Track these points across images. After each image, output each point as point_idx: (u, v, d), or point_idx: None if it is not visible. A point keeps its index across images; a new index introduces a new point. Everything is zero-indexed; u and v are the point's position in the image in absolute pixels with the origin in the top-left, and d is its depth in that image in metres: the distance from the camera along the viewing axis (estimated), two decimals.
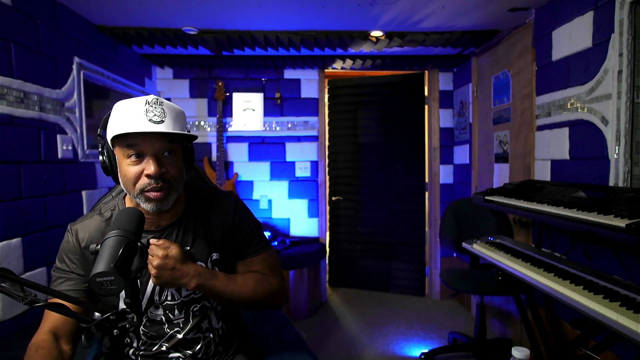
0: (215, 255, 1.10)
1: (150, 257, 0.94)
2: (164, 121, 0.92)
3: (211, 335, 1.11)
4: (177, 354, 1.08)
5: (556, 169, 2.02)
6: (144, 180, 0.94)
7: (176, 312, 1.06)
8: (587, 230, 1.26)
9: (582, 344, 1.50)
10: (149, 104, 0.92)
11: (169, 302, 1.06)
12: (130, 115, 0.92)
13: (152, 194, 0.95)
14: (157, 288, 1.05)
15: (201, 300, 1.08)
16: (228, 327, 1.17)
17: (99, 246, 0.77)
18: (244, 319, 1.31)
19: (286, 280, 2.95)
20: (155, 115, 0.92)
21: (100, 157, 1.00)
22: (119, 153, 0.96)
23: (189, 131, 1.03)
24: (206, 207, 1.13)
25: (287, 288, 1.22)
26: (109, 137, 0.96)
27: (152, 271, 0.95)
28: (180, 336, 1.07)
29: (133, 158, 0.94)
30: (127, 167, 0.95)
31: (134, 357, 1.09)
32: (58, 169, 1.97)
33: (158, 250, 0.95)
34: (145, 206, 0.97)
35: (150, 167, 0.93)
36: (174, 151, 0.97)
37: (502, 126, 2.67)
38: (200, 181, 1.39)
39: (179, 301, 1.06)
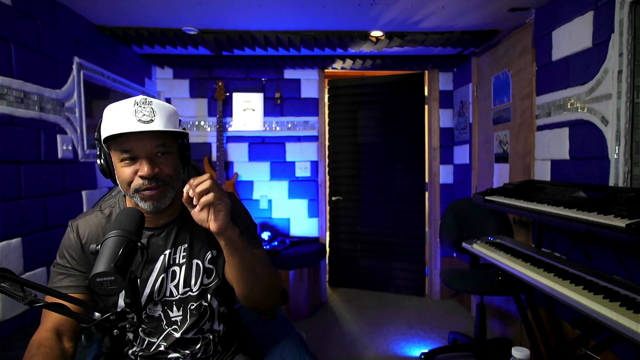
0: (211, 254, 1.10)
1: (206, 196, 0.87)
2: (153, 120, 0.92)
3: (211, 336, 1.11)
4: (176, 354, 1.08)
5: (556, 169, 2.02)
6: (138, 181, 0.95)
7: (174, 309, 1.07)
8: (587, 230, 1.27)
9: (582, 344, 1.50)
10: (137, 105, 0.92)
11: (167, 299, 1.06)
12: (120, 116, 0.92)
13: (147, 194, 0.96)
14: (157, 285, 1.05)
15: (198, 299, 1.08)
16: (228, 329, 1.17)
17: (99, 246, 0.77)
18: (243, 319, 1.31)
19: (286, 280, 2.96)
20: (144, 115, 0.92)
21: (98, 161, 1.01)
22: (114, 156, 0.97)
23: (184, 128, 1.03)
24: None
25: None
26: (102, 140, 0.96)
27: (217, 208, 0.89)
28: (177, 335, 1.07)
29: (127, 160, 0.95)
30: (122, 169, 0.96)
31: (133, 357, 1.09)
32: (58, 169, 1.97)
33: (205, 184, 0.88)
34: (143, 205, 0.98)
35: (143, 168, 0.93)
36: (167, 151, 0.98)
37: (502, 126, 2.67)
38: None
39: (176, 298, 1.06)
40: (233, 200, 1.17)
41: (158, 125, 0.93)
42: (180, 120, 1.05)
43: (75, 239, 1.03)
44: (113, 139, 0.93)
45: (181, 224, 1.09)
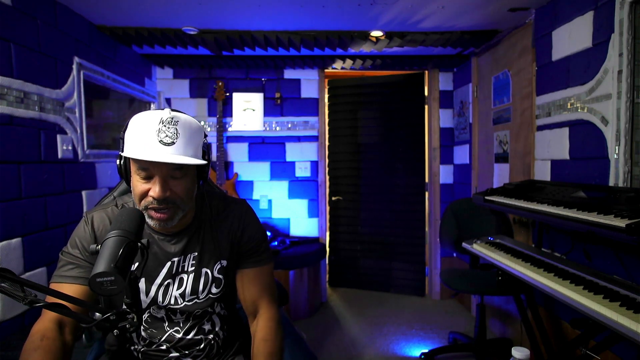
0: (220, 264, 1.10)
1: None
2: (174, 143, 0.91)
3: (212, 337, 1.12)
4: (177, 354, 1.08)
5: (556, 169, 2.02)
6: (148, 199, 0.95)
7: (178, 313, 1.07)
8: (587, 230, 1.26)
9: (582, 344, 1.50)
10: (162, 123, 0.91)
11: (172, 306, 1.06)
12: (143, 134, 0.91)
13: (154, 214, 0.96)
14: (161, 291, 1.05)
15: (204, 306, 1.08)
16: (230, 330, 1.17)
17: (99, 246, 0.77)
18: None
19: (286, 280, 2.96)
20: (167, 136, 0.91)
21: (117, 161, 1.01)
22: (132, 166, 0.97)
23: (206, 145, 1.02)
24: (216, 214, 1.13)
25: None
26: (123, 151, 0.96)
27: None
28: (179, 336, 1.07)
29: (142, 176, 0.95)
30: (136, 182, 0.96)
31: (136, 354, 1.10)
32: (58, 169, 1.97)
33: None
34: (150, 222, 0.98)
35: (155, 189, 0.93)
36: (184, 173, 0.97)
37: (502, 126, 2.67)
38: (207, 187, 1.39)
39: (182, 305, 1.06)
40: (245, 210, 1.16)
41: (179, 148, 0.92)
42: (206, 135, 1.03)
43: (89, 231, 1.03)
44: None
45: (192, 232, 1.09)
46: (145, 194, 0.95)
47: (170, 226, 1.00)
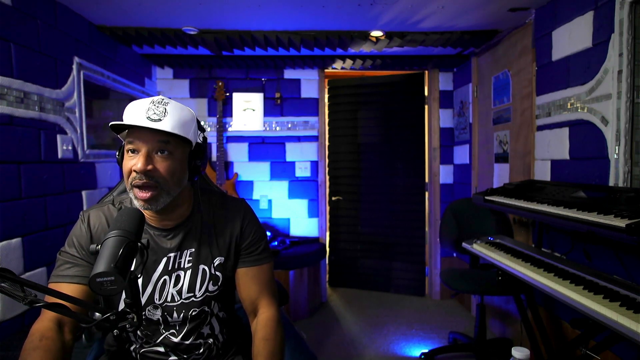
0: (218, 260, 1.09)
1: None
2: (161, 120, 0.93)
3: (212, 340, 1.11)
4: (176, 358, 1.07)
5: (556, 169, 2.02)
6: (132, 175, 0.96)
7: (175, 314, 1.06)
8: (587, 230, 1.27)
9: (582, 344, 1.50)
10: (152, 103, 0.95)
11: (168, 304, 1.05)
12: (134, 111, 0.95)
13: (139, 193, 0.96)
14: (158, 288, 1.04)
15: (201, 305, 1.07)
16: (229, 332, 1.17)
17: (99, 246, 0.77)
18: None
19: (286, 280, 2.96)
20: (154, 113, 0.93)
21: (117, 153, 1.03)
22: (125, 148, 0.99)
23: (204, 137, 1.02)
24: (214, 212, 1.12)
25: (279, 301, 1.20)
26: (111, 127, 0.98)
27: None
28: (176, 339, 1.06)
29: (130, 152, 0.96)
30: (125, 160, 0.97)
31: (134, 355, 1.09)
32: (58, 169, 1.97)
33: None
34: (136, 203, 0.98)
35: (138, 162, 0.94)
36: (168, 151, 0.97)
37: (502, 126, 2.67)
38: (206, 185, 1.39)
39: (178, 303, 1.05)
40: (244, 208, 1.16)
41: (165, 125, 0.93)
42: (199, 129, 1.04)
43: (85, 229, 1.03)
44: (125, 130, 0.96)
45: (189, 227, 1.08)
46: (130, 171, 0.96)
47: (156, 209, 0.99)
